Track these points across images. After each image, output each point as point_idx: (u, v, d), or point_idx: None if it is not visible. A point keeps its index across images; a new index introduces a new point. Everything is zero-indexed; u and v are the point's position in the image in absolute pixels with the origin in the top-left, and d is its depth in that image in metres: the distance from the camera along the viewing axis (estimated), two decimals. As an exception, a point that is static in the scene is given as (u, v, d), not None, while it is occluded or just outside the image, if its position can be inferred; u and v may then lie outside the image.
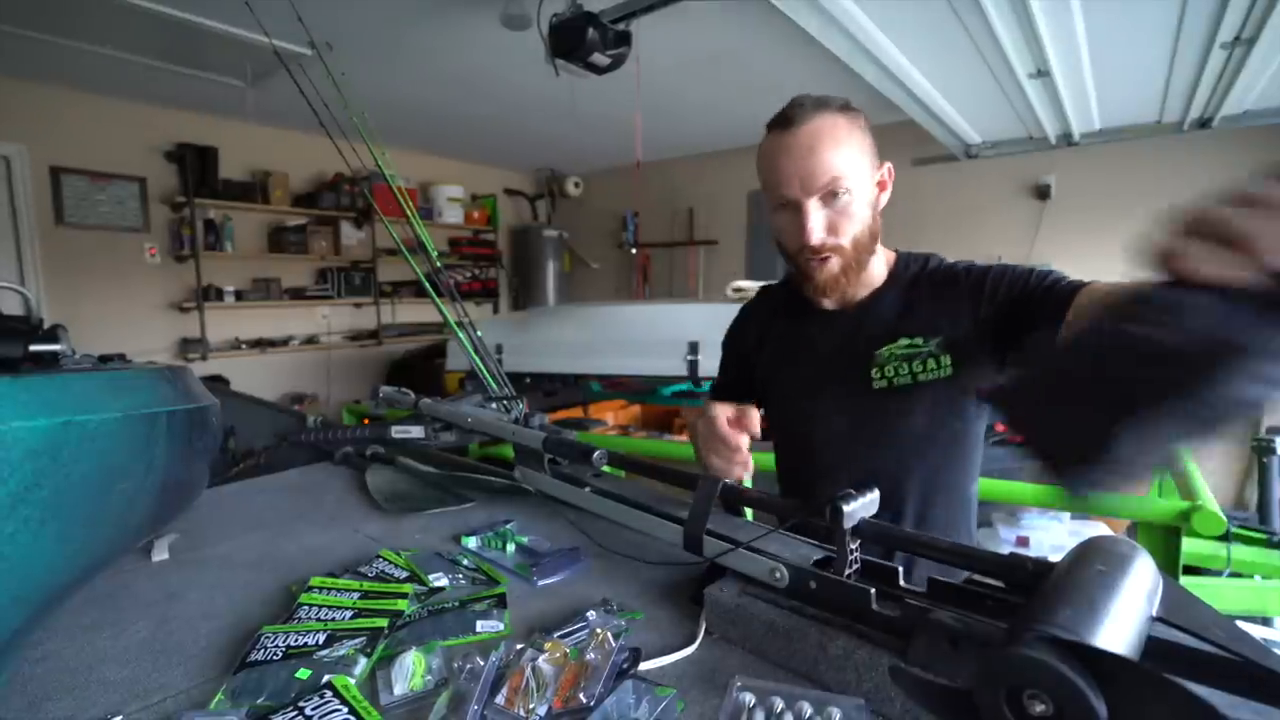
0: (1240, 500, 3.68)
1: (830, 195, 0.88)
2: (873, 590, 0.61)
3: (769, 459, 1.12)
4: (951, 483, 0.98)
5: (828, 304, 1.01)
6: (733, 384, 1.16)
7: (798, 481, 1.09)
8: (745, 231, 5.53)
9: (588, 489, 0.99)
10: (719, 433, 0.83)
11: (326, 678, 0.60)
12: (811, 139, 0.87)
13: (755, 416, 0.84)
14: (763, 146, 0.93)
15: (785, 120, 0.89)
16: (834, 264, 0.92)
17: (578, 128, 4.75)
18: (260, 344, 4.81)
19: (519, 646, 0.62)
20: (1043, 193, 4.14)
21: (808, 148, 0.87)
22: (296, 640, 0.67)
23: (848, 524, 0.64)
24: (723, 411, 0.84)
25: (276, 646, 0.66)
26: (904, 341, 0.93)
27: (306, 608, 0.74)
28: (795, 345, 1.05)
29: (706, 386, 2.47)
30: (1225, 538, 1.46)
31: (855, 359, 0.96)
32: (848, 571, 0.65)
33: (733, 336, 1.17)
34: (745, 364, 1.12)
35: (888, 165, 0.96)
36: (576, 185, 6.26)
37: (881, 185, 0.95)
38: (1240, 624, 0.45)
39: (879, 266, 1.00)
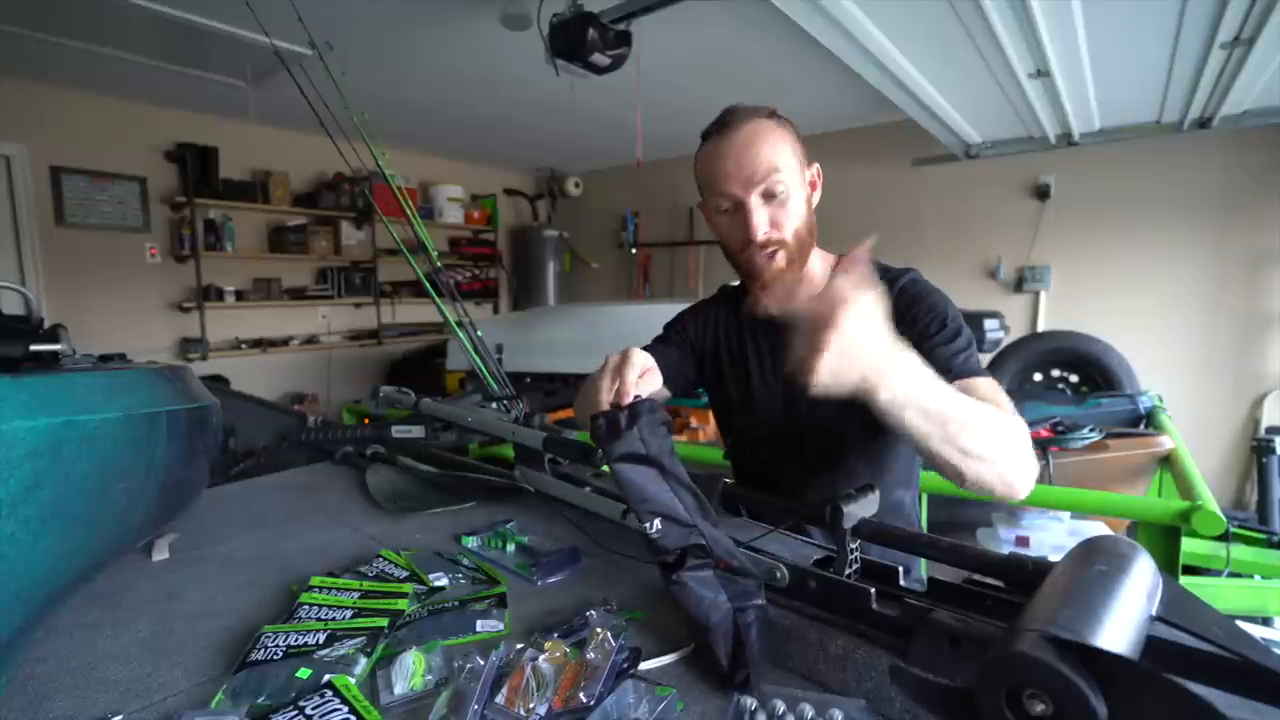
0: (1240, 500, 3.68)
1: (769, 193, 0.93)
2: (873, 590, 0.61)
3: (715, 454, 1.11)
4: (883, 490, 1.00)
5: (773, 308, 1.04)
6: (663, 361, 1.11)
7: (751, 479, 1.12)
8: (745, 231, 5.52)
9: (588, 489, 0.99)
10: (632, 368, 0.78)
11: (327, 677, 0.60)
12: (747, 139, 0.92)
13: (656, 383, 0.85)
14: (699, 154, 0.97)
15: (720, 125, 0.95)
16: (780, 257, 0.97)
17: (578, 128, 4.75)
18: (260, 344, 4.81)
19: (519, 646, 0.62)
20: (1042, 192, 4.14)
21: (744, 147, 0.92)
22: (297, 640, 0.67)
23: (847, 524, 0.64)
24: (641, 361, 0.79)
25: (277, 646, 0.66)
26: None
27: (307, 607, 0.74)
28: (744, 347, 1.09)
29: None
30: (1225, 537, 1.46)
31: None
32: (847, 571, 0.65)
33: (685, 326, 1.16)
34: (688, 353, 1.12)
35: (816, 166, 1.00)
36: (576, 185, 6.26)
37: (813, 185, 1.00)
38: (1240, 624, 0.45)
39: (819, 268, 1.03)
